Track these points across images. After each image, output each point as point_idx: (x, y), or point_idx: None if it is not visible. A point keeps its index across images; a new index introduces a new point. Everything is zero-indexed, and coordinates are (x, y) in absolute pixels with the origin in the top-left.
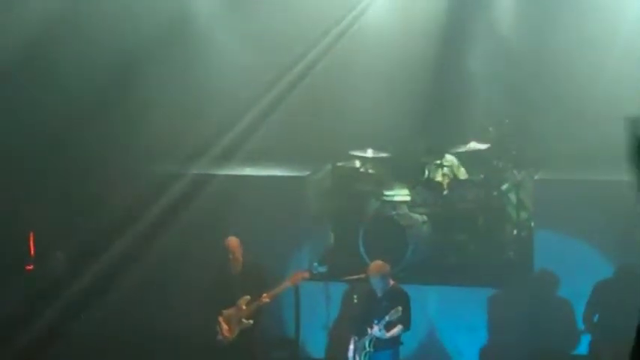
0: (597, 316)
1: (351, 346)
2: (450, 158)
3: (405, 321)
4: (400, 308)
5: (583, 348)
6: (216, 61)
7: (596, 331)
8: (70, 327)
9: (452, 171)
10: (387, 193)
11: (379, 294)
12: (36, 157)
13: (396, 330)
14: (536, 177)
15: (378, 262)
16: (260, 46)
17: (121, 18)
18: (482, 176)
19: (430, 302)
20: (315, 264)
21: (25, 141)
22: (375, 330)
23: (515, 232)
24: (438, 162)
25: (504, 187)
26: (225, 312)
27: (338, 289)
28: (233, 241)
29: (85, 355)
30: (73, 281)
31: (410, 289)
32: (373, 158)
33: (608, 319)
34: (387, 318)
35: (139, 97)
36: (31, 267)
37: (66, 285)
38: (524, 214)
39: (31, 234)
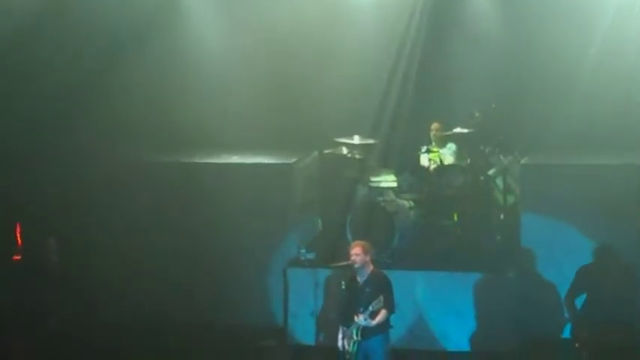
0: (580, 300)
1: (340, 335)
2: (436, 144)
3: (389, 305)
4: (382, 297)
5: (569, 331)
6: (203, 48)
7: (578, 315)
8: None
9: (438, 156)
10: (373, 179)
11: (360, 280)
12: (22, 145)
13: (381, 316)
14: (522, 161)
15: (361, 241)
16: (245, 34)
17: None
18: (468, 161)
19: (418, 288)
20: (303, 250)
21: (8, 128)
22: (361, 319)
23: (502, 216)
24: (425, 148)
25: (491, 172)
26: None
27: (326, 276)
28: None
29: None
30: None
31: (398, 275)
32: (360, 145)
33: (591, 304)
34: (370, 308)
35: (125, 86)
36: (18, 257)
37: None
38: (511, 199)
39: (18, 225)
